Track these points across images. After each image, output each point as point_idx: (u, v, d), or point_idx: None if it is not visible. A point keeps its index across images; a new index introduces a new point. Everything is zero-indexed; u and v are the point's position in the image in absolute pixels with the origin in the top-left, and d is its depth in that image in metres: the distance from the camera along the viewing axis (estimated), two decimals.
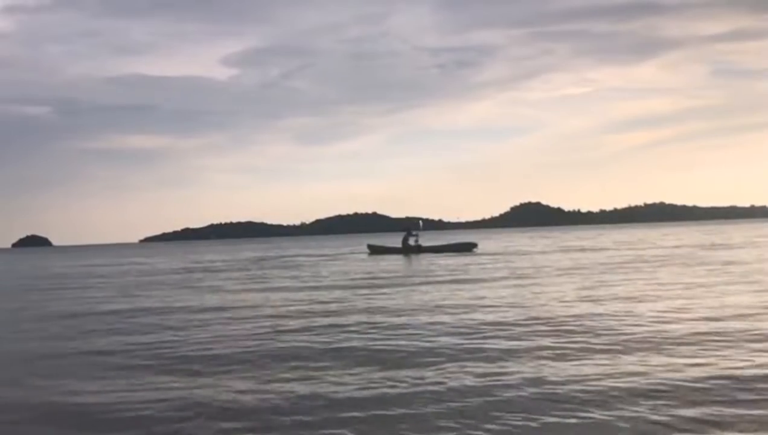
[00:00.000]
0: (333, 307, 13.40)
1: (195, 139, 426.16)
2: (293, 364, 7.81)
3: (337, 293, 16.27)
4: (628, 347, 7.98)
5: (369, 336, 9.56)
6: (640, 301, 12.32)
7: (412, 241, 39.20)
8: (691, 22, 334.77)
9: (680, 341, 8.22)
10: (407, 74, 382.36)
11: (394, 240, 46.00)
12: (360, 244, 66.62)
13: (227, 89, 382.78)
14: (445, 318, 11.00)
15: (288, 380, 6.97)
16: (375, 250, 42.48)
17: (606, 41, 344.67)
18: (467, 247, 40.62)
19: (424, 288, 16.82)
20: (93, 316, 13.53)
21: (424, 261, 30.73)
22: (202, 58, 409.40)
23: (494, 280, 18.41)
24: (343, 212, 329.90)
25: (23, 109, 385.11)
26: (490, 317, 10.86)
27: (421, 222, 42.73)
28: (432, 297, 14.47)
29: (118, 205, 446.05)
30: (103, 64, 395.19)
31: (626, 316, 10.51)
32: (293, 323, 11.15)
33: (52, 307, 15.65)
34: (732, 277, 16.33)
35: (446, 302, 13.32)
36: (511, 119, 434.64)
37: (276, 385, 6.77)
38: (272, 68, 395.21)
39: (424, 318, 11.16)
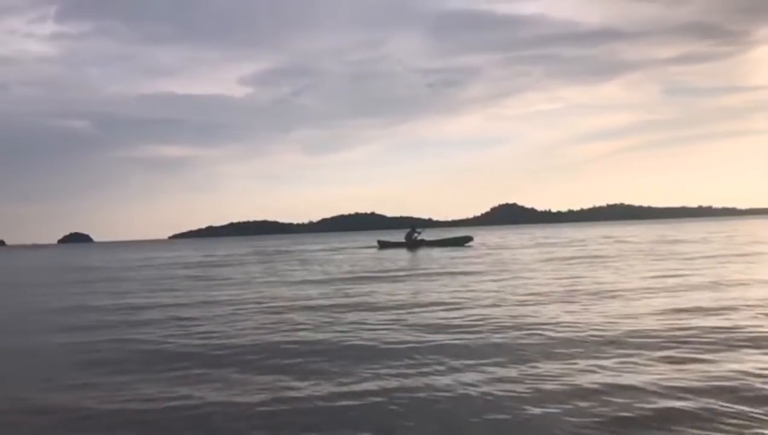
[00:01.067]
0: (345, 300, 12.84)
1: (216, 149, 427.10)
2: (293, 360, 7.21)
3: (355, 284, 15.63)
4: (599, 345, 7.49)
5: (378, 330, 9.05)
6: (612, 293, 11.80)
7: (415, 237, 39.49)
8: (647, 47, 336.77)
9: (654, 338, 7.72)
10: (402, 92, 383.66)
11: (393, 236, 46.40)
12: (361, 240, 66.16)
13: (244, 106, 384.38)
14: (441, 313, 10.41)
15: (285, 377, 6.44)
16: (383, 245, 41.95)
17: (574, 64, 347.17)
18: (463, 241, 40.12)
19: (426, 279, 16.15)
20: (112, 309, 12.79)
21: (427, 253, 30.34)
22: (222, 79, 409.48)
23: (487, 272, 17.79)
24: (345, 212, 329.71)
25: (67, 123, 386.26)
26: (484, 311, 10.33)
27: (421, 227, 42.78)
28: (431, 288, 13.87)
29: (150, 206, 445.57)
30: (136, 84, 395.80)
31: (600, 310, 10.03)
32: (304, 317, 10.49)
33: (72, 301, 15.08)
34: (691, 269, 15.84)
35: (442, 297, 12.72)
36: (491, 132, 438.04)
37: (267, 381, 6.21)
38: (283, 87, 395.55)
39: (422, 312, 10.60)
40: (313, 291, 14.33)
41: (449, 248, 35.71)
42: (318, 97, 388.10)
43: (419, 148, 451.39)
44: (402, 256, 29.53)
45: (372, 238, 49.27)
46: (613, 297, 11.16)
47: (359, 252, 37.51)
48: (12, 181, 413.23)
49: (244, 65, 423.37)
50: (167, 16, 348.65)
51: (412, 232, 40.13)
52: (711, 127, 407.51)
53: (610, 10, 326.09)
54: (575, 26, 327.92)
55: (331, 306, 11.36)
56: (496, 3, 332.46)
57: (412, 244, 38.92)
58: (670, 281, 13.36)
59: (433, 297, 12.17)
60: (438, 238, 41.40)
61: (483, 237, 60.13)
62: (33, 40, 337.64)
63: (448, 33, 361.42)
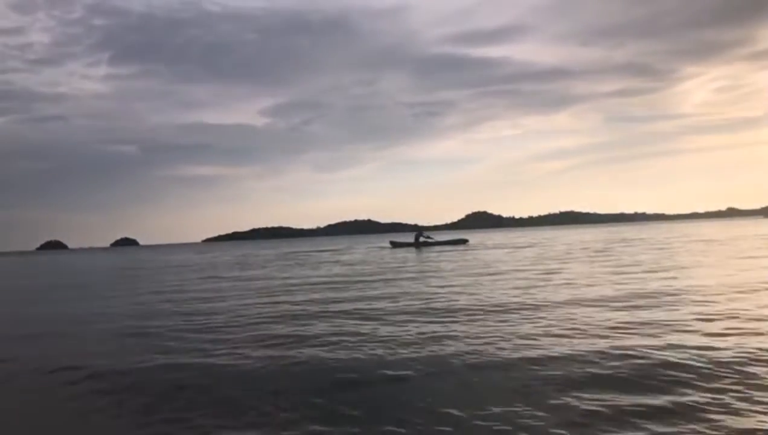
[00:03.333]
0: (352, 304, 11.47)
1: (242, 168, 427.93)
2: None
3: (362, 286, 14.07)
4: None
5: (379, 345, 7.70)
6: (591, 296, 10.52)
7: (421, 239, 40.05)
8: (591, 83, 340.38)
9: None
10: (392, 121, 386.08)
11: (386, 239, 46.40)
12: (362, 242, 64.93)
13: (264, 133, 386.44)
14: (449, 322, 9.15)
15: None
16: (395, 245, 41.58)
17: (532, 97, 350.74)
18: (461, 242, 40.63)
19: (436, 281, 14.33)
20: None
21: (433, 253, 29.48)
22: (245, 111, 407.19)
23: (487, 274, 16.51)
24: (347, 219, 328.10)
25: (117, 147, 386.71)
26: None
27: (430, 235, 42.17)
28: (440, 289, 12.54)
29: (186, 215, 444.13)
30: (175, 115, 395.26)
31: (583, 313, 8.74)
32: (321, 326, 9.09)
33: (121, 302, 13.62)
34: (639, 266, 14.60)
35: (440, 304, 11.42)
36: (466, 153, 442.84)
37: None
38: (295, 117, 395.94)
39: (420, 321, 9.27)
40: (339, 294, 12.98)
41: (451, 248, 35.53)
42: (324, 126, 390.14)
43: (407, 166, 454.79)
44: (411, 255, 28.59)
45: (372, 240, 48.69)
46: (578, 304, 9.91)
47: (374, 252, 36.53)
48: (72, 195, 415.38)
49: (263, 99, 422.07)
50: (201, 61, 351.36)
51: (420, 235, 40.42)
52: (645, 148, 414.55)
53: (561, 53, 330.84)
54: (533, 66, 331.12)
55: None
56: (470, 48, 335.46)
57: (419, 245, 39.31)
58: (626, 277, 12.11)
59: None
60: (441, 239, 41.31)
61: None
62: (89, 80, 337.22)
63: (429, 72, 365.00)
